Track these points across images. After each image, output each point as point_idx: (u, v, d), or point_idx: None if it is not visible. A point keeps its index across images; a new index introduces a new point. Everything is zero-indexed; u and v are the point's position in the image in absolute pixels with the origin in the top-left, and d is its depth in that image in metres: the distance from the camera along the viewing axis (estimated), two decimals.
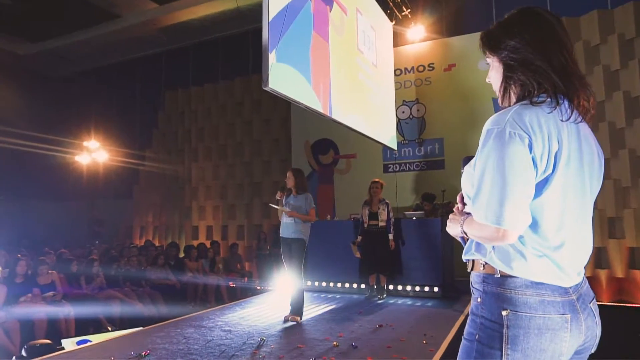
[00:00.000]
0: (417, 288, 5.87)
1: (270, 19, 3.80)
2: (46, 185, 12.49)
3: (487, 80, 1.29)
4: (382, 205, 5.76)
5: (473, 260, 1.23)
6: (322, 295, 6.07)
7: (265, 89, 3.76)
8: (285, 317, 4.57)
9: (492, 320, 1.13)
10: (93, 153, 11.63)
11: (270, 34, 3.78)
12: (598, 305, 1.24)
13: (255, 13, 9.51)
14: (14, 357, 4.27)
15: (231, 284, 7.47)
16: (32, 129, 10.99)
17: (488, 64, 1.27)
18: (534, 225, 1.12)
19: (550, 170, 1.11)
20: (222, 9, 9.79)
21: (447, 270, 5.99)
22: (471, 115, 7.76)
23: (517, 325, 1.10)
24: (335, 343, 3.75)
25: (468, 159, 1.23)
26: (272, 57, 3.80)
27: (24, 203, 12.28)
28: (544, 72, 1.14)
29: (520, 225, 1.09)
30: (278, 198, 4.77)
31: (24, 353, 4.06)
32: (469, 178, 1.19)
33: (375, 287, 5.85)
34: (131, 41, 11.58)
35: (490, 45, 1.24)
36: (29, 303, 5.22)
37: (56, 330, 5.14)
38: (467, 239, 1.24)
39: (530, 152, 1.08)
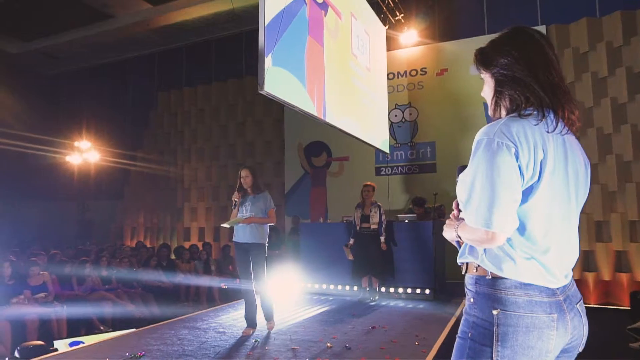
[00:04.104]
0: (409, 290, 5.94)
1: (266, 23, 3.85)
2: (37, 186, 12.39)
3: (481, 94, 1.38)
4: (374, 208, 5.82)
5: (467, 263, 1.31)
6: (314, 297, 6.11)
7: (261, 92, 3.79)
8: (269, 327, 4.30)
9: (483, 319, 1.21)
10: (84, 153, 11.55)
11: (266, 38, 3.83)
12: (585, 307, 1.31)
13: (249, 15, 9.56)
14: (6, 359, 4.24)
15: (223, 286, 7.47)
16: (23, 128, 10.90)
17: (482, 78, 1.35)
18: (522, 230, 1.20)
19: (536, 178, 1.19)
20: (217, 10, 9.80)
21: (439, 272, 6.07)
22: (463, 119, 7.86)
23: (506, 324, 1.17)
24: (329, 344, 3.79)
25: (463, 167, 1.30)
26: (268, 61, 3.84)
27: (14, 203, 12.16)
28: (531, 88, 1.23)
29: (507, 228, 1.17)
30: (236, 200, 4.28)
31: (17, 354, 4.05)
32: (462, 185, 1.26)
33: (368, 289, 5.90)
34: (124, 41, 11.54)
35: (483, 62, 1.33)
36: (20, 304, 5.19)
37: (48, 331, 5.12)
38: (462, 243, 1.31)
39: (517, 161, 1.16)
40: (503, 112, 1.29)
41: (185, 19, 10.32)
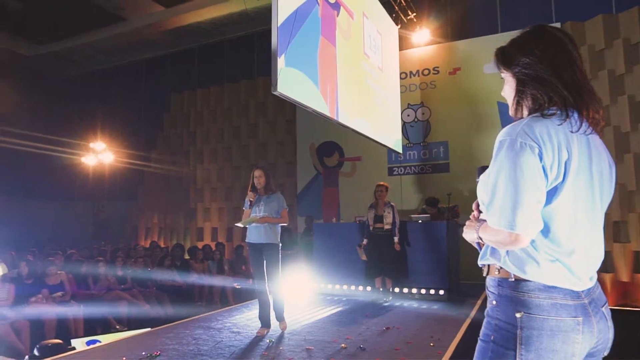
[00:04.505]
0: (423, 291, 5.90)
1: (279, 24, 3.86)
2: (53, 186, 12.59)
3: (501, 93, 1.36)
4: (387, 208, 5.80)
5: (488, 265, 1.29)
6: (328, 298, 6.11)
7: (275, 93, 3.80)
8: (282, 328, 4.30)
9: (506, 322, 1.19)
10: (99, 154, 11.70)
11: (279, 39, 3.83)
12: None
13: (261, 16, 9.59)
14: (26, 357, 4.32)
15: (236, 286, 7.51)
16: (40, 130, 11.09)
17: (503, 78, 1.33)
18: (546, 231, 1.18)
19: (560, 179, 1.17)
20: (229, 11, 9.86)
21: (453, 273, 6.02)
22: (476, 118, 7.80)
23: (530, 327, 1.15)
24: (343, 345, 3.79)
25: (483, 168, 1.29)
26: (281, 62, 3.85)
27: (30, 204, 12.37)
28: (554, 87, 1.21)
29: (531, 229, 1.15)
30: (251, 200, 4.27)
31: (36, 352, 4.12)
32: (484, 186, 1.25)
33: (381, 289, 5.88)
34: (137, 43, 11.68)
35: (504, 61, 1.31)
36: (38, 303, 5.28)
37: (65, 330, 5.21)
38: (483, 245, 1.30)
39: (541, 161, 1.15)
40: (525, 112, 1.27)
41: (198, 20, 10.40)
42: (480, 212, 1.31)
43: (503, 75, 1.33)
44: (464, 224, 1.36)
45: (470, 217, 1.34)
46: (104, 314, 5.66)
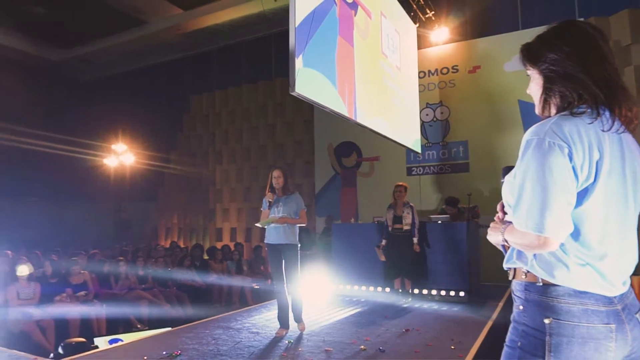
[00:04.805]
0: (443, 292, 5.83)
1: (297, 25, 3.85)
2: (76, 188, 12.87)
3: (527, 91, 1.32)
4: (406, 208, 5.74)
5: (514, 269, 1.25)
6: (346, 299, 6.08)
7: (293, 93, 3.79)
8: (300, 329, 4.28)
9: (534, 328, 1.15)
10: (120, 156, 11.92)
11: (297, 40, 3.83)
12: None
13: (279, 17, 9.63)
14: (51, 354, 4.41)
15: (255, 286, 7.55)
16: (64, 132, 11.35)
17: (529, 75, 1.29)
18: (576, 234, 1.14)
19: (591, 180, 1.12)
20: (247, 13, 9.92)
21: (474, 274, 5.93)
22: (497, 117, 7.67)
23: (560, 334, 1.11)
24: (362, 347, 3.76)
25: (508, 168, 1.25)
26: (299, 62, 3.84)
27: (55, 204, 12.67)
28: (584, 84, 1.16)
29: (561, 232, 1.11)
30: (270, 200, 4.25)
31: (60, 350, 4.20)
32: (509, 188, 1.21)
33: (401, 291, 5.83)
34: (157, 46, 11.86)
35: (530, 57, 1.27)
36: (63, 302, 5.40)
37: (89, 328, 5.31)
38: (508, 248, 1.26)
39: (570, 162, 1.10)
40: (553, 110, 1.23)
41: (216, 22, 10.50)
42: (505, 213, 1.27)
43: (529, 72, 1.29)
44: (485, 225, 1.32)
45: (495, 218, 1.30)
46: (126, 313, 5.75)
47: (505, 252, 1.28)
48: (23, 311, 5.05)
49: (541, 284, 1.16)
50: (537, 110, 1.28)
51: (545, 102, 1.24)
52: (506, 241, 1.22)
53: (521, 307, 1.19)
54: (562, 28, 1.24)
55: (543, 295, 1.15)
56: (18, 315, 4.99)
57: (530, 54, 1.27)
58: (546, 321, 1.12)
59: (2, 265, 6.46)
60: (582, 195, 1.13)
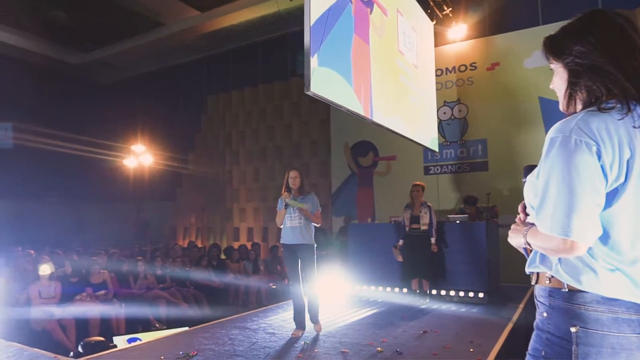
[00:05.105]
0: (462, 293, 5.72)
1: (312, 23, 3.82)
2: (96, 188, 13.10)
3: (550, 86, 1.25)
4: (424, 208, 5.66)
5: (537, 273, 1.19)
6: (363, 299, 6.03)
7: (308, 93, 3.76)
8: (317, 330, 4.26)
9: (559, 336, 1.09)
10: (139, 156, 12.09)
11: (312, 38, 3.79)
12: None
13: (294, 16, 9.62)
14: (71, 353, 4.48)
15: (272, 286, 7.56)
16: (83, 133, 11.57)
17: (552, 69, 1.22)
18: (605, 238, 1.08)
19: (622, 180, 1.06)
20: (263, 13, 9.94)
21: (493, 275, 5.81)
22: (516, 115, 7.52)
23: (588, 343, 1.05)
24: (379, 349, 3.71)
25: (530, 168, 1.19)
26: (314, 62, 3.81)
27: (75, 205, 12.91)
28: (613, 77, 1.09)
29: (589, 236, 1.05)
30: (287, 200, 4.24)
31: (80, 349, 4.26)
32: (532, 188, 1.15)
33: (418, 291, 5.75)
34: (175, 48, 11.98)
35: (554, 50, 1.20)
36: (83, 301, 5.48)
37: (108, 327, 5.38)
38: (531, 251, 1.20)
39: (599, 161, 1.04)
40: (579, 106, 1.16)
41: (232, 23, 10.55)
42: (527, 214, 1.21)
43: (552, 66, 1.22)
44: (505, 224, 1.26)
45: (516, 220, 1.24)
46: (144, 312, 5.81)
47: (528, 255, 1.22)
48: (45, 310, 5.15)
49: (567, 290, 1.10)
50: (562, 106, 1.20)
51: (571, 97, 1.17)
52: (528, 244, 1.17)
53: (545, 314, 1.14)
54: (589, 18, 1.16)
55: (569, 302, 1.09)
56: (40, 314, 5.09)
57: (554, 47, 1.20)
58: (572, 330, 1.06)
59: (26, 265, 6.62)
60: (612, 196, 1.06)
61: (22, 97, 11.71)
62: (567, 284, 1.10)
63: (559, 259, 1.12)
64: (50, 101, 12.48)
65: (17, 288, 5.46)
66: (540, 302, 1.17)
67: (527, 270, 1.22)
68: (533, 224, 1.15)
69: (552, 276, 1.13)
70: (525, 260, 1.24)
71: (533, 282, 1.21)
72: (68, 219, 12.40)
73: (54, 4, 9.95)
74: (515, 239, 1.22)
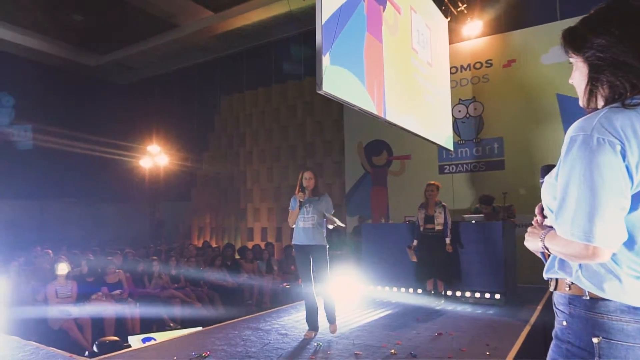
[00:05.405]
0: (478, 294, 5.63)
1: (323, 22, 3.78)
2: (112, 188, 13.28)
3: (569, 81, 1.18)
4: (438, 208, 5.58)
5: (556, 279, 1.13)
6: (376, 300, 5.97)
7: (320, 92, 3.73)
8: (332, 330, 4.23)
9: (580, 347, 1.03)
10: (155, 157, 12.21)
11: (324, 37, 3.75)
12: None
13: (307, 16, 9.59)
14: (86, 352, 4.52)
15: (285, 286, 7.54)
16: (100, 134, 11.74)
17: (571, 63, 1.16)
18: (630, 243, 1.01)
19: None
20: (275, 13, 9.94)
21: (510, 276, 5.70)
22: (533, 112, 7.37)
23: (611, 355, 0.99)
24: (393, 351, 3.66)
25: (548, 168, 1.13)
26: (326, 60, 3.77)
27: (92, 205, 13.11)
28: (638, 72, 1.02)
29: (613, 242, 0.98)
30: (301, 200, 4.19)
31: (95, 349, 4.30)
32: (550, 189, 1.09)
33: (433, 292, 5.67)
34: (189, 49, 12.07)
35: (574, 44, 1.13)
36: (99, 301, 5.54)
37: (123, 327, 5.43)
38: (549, 255, 1.14)
39: (624, 161, 0.97)
40: (600, 103, 1.09)
41: (245, 23, 10.58)
42: (544, 217, 1.15)
43: (572, 60, 1.15)
44: (522, 224, 1.20)
45: (533, 222, 1.18)
46: (159, 312, 5.85)
47: (545, 260, 1.16)
48: (62, 309, 5.21)
49: (588, 297, 1.04)
50: (582, 102, 1.14)
51: (591, 93, 1.10)
52: (546, 248, 1.10)
53: (565, 323, 1.08)
54: (611, 9, 1.09)
55: (591, 310, 1.03)
56: (57, 313, 5.16)
57: (574, 40, 1.13)
58: (595, 340, 1.00)
59: (44, 264, 6.73)
60: (638, 199, 1.00)
61: (41, 98, 11.95)
62: (588, 292, 1.04)
63: (580, 265, 1.06)
64: (69, 102, 12.69)
65: (36, 287, 5.55)
66: (559, 310, 1.11)
67: (545, 276, 1.16)
68: (551, 227, 1.09)
69: (573, 283, 1.07)
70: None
71: (552, 289, 1.14)
72: (86, 219, 12.59)
73: (72, 8, 10.10)
74: (532, 243, 1.16)
